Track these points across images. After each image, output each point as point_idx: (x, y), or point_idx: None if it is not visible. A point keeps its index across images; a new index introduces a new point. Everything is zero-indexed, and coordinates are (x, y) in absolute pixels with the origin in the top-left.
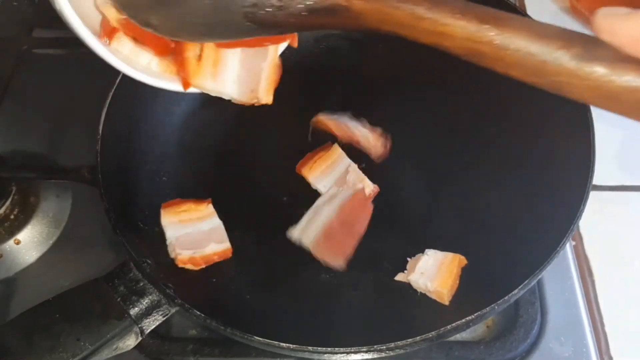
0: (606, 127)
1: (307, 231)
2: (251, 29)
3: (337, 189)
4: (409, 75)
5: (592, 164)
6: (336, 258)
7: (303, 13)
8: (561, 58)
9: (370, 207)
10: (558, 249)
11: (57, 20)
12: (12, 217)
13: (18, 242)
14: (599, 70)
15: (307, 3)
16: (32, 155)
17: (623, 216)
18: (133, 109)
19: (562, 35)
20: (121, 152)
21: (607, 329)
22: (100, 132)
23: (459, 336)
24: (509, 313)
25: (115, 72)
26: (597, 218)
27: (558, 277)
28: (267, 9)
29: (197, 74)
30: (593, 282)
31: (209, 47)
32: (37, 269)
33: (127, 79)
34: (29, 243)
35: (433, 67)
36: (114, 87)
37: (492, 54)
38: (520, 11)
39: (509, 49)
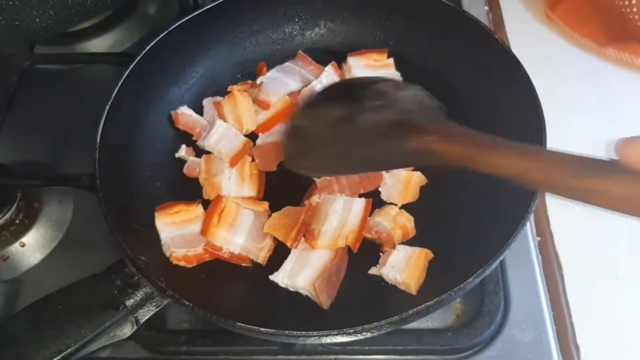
0: (577, 125)
1: (300, 274)
2: (375, 166)
3: None
4: None
5: None
6: (329, 298)
7: (409, 155)
8: (591, 179)
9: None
10: (509, 241)
11: (57, 38)
12: (17, 221)
13: (23, 245)
14: (619, 187)
15: (408, 147)
16: (35, 164)
17: (593, 213)
18: (129, 120)
19: (589, 162)
20: (118, 160)
21: (574, 319)
22: (98, 142)
23: (430, 324)
24: (476, 303)
25: (112, 86)
26: (568, 215)
27: (521, 270)
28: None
29: None
30: (562, 276)
31: None
32: (41, 269)
33: (123, 92)
34: (34, 245)
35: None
36: (111, 101)
37: (539, 181)
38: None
39: (549, 179)
